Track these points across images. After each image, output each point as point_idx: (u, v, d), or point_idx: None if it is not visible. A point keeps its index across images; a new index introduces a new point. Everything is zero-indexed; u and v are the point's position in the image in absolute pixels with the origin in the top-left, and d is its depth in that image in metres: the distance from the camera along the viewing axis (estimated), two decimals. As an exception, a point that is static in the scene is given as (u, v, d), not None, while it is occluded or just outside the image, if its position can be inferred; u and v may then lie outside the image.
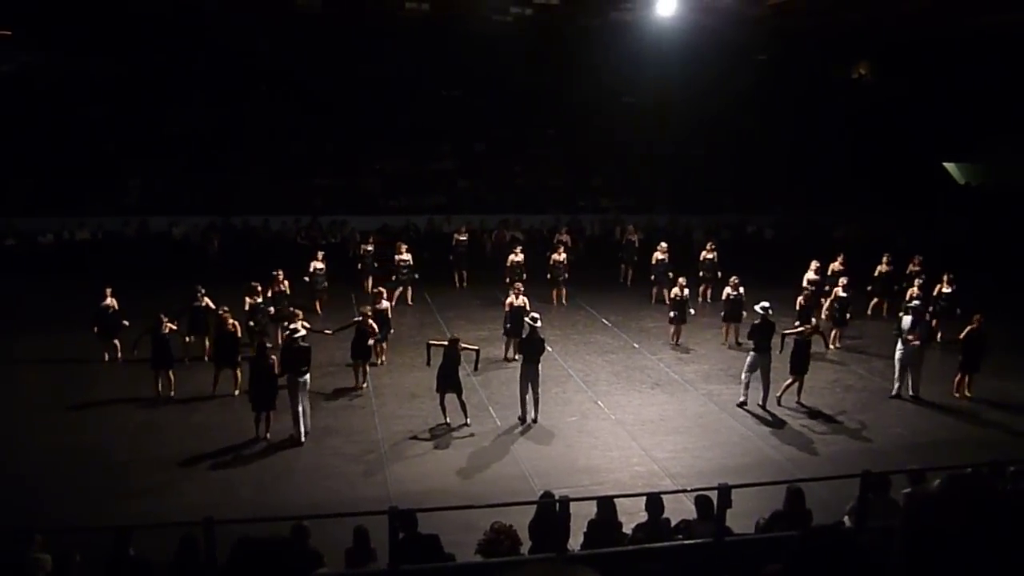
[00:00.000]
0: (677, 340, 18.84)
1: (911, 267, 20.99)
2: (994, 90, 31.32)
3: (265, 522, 8.34)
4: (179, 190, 30.07)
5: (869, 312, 21.07)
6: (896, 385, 15.79)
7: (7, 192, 27.85)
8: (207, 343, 16.83)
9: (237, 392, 14.60)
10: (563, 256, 22.23)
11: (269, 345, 14.12)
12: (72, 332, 18.09)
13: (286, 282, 18.46)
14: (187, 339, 16.72)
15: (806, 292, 18.38)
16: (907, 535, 1.80)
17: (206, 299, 16.93)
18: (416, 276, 21.61)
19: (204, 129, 31.03)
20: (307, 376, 13.42)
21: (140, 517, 10.09)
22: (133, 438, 13.34)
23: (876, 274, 21.12)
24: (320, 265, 20.48)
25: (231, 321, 15.26)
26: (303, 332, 13.72)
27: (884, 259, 21.21)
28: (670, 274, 20.36)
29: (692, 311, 18.99)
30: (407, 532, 7.81)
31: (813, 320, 16.91)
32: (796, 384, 15.29)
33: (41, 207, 27.78)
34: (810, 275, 20.24)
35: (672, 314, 18.66)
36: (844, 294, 18.59)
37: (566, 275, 22.15)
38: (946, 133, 34.42)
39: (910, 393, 15.64)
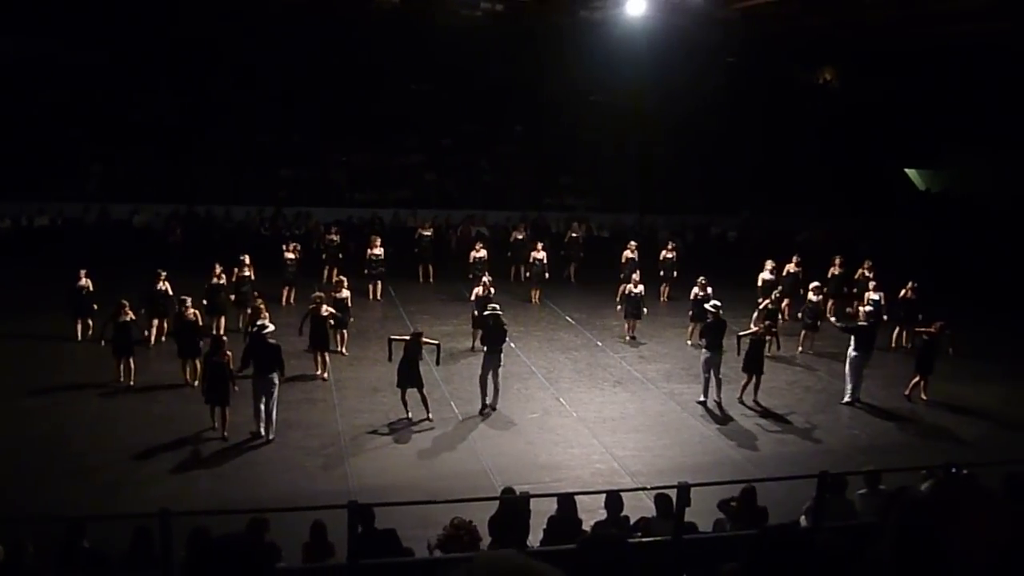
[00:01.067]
0: (632, 334, 19.11)
1: (861, 271, 21.19)
2: (956, 98, 31.81)
3: (222, 515, 8.28)
4: (141, 178, 29.65)
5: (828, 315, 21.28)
6: (849, 389, 15.78)
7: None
8: (165, 326, 16.96)
9: (197, 383, 14.40)
10: (543, 254, 22.21)
11: (225, 337, 13.90)
12: (30, 318, 18.02)
13: (251, 268, 18.49)
14: (145, 332, 16.63)
15: (775, 295, 18.53)
16: (899, 540, 1.82)
17: (166, 283, 16.96)
18: (383, 270, 21.54)
19: (168, 116, 30.66)
20: (275, 375, 13.07)
21: (96, 508, 9.98)
22: (92, 428, 13.16)
23: (829, 276, 21.23)
24: (292, 256, 20.47)
25: (191, 311, 15.11)
26: (272, 328, 13.49)
27: (836, 261, 21.33)
28: (637, 273, 20.46)
29: (645, 309, 19.19)
30: (365, 527, 7.78)
31: (768, 321, 16.99)
32: (753, 383, 15.51)
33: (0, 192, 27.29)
34: (765, 275, 20.41)
35: (620, 307, 19.09)
36: (815, 298, 18.74)
37: (547, 274, 22.22)
38: (908, 139, 34.92)
39: (855, 397, 15.70)
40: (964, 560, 1.74)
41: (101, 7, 27.41)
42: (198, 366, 14.75)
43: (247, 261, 18.50)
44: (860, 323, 15.73)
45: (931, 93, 32.63)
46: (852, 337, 15.71)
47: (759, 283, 20.12)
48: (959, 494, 1.83)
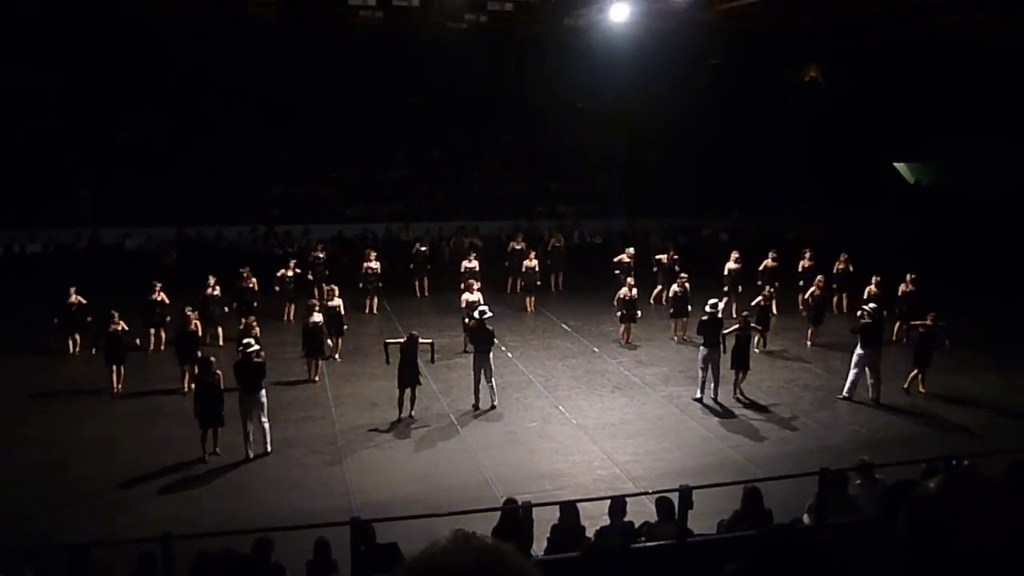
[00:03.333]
0: (627, 339, 19.20)
1: (838, 265, 21.56)
2: (942, 90, 31.95)
3: (225, 536, 8.25)
4: (132, 201, 29.61)
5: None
6: (848, 384, 15.73)
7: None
8: (163, 335, 17.72)
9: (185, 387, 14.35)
10: (535, 263, 22.29)
11: (213, 359, 13.83)
12: (25, 344, 18.26)
13: (254, 279, 19.20)
14: (137, 341, 17.08)
15: (767, 292, 18.78)
16: (910, 536, 1.82)
17: (161, 294, 17.76)
18: (380, 284, 21.58)
19: (156, 138, 30.62)
20: (262, 392, 13.12)
21: (97, 533, 9.92)
22: (91, 452, 13.10)
23: (834, 271, 21.51)
24: (291, 273, 20.64)
25: (194, 321, 15.81)
26: (256, 347, 13.49)
27: (842, 257, 21.66)
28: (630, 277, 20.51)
29: (639, 312, 19.30)
30: (367, 543, 7.77)
31: (745, 313, 17.02)
32: (741, 377, 15.78)
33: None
34: (731, 264, 21.08)
35: (620, 313, 19.09)
36: (819, 292, 18.98)
37: (539, 282, 22.34)
38: (896, 133, 35.03)
39: (871, 397, 15.55)
40: (975, 552, 1.74)
41: (85, 31, 27.37)
42: (196, 370, 14.92)
43: (246, 274, 19.19)
44: (864, 321, 15.67)
45: (917, 86, 32.75)
46: (859, 335, 15.70)
47: (724, 272, 20.88)
48: (966, 487, 1.84)
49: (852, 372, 15.68)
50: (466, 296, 18.28)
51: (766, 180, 32.93)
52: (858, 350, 15.57)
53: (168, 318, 17.62)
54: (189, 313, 15.91)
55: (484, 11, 24.81)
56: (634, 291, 19.10)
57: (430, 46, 29.47)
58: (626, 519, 8.57)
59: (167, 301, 17.71)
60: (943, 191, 35.68)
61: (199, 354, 14.97)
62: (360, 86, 32.13)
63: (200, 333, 16.11)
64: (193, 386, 14.16)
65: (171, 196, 29.69)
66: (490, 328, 15.29)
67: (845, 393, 15.70)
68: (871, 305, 15.93)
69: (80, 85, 30.35)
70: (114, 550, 8.28)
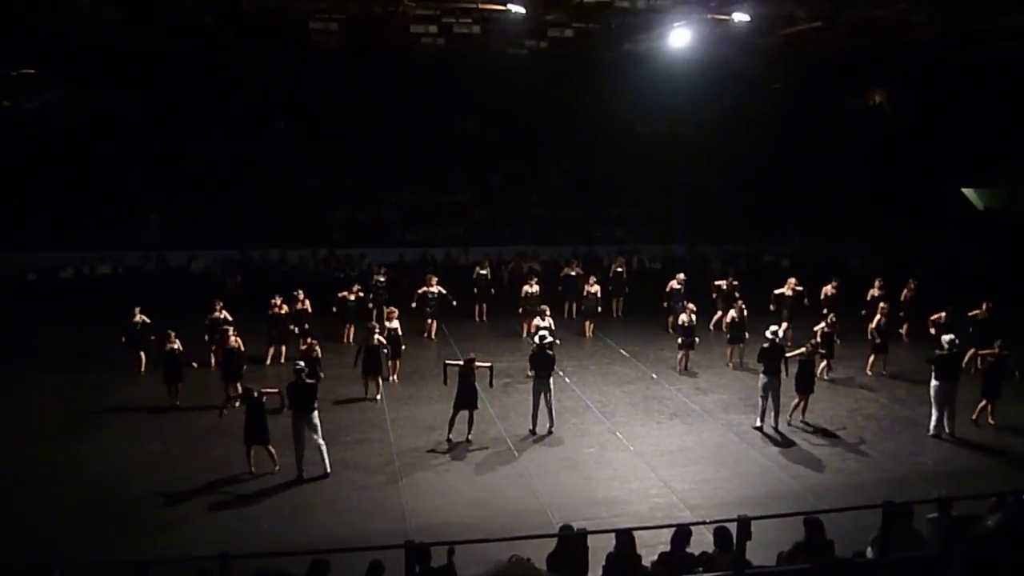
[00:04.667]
0: (685, 366, 19.01)
1: (906, 293, 21.45)
2: (1010, 115, 31.21)
3: (281, 556, 8.32)
4: (198, 224, 30.31)
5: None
6: (933, 421, 15.11)
7: (28, 227, 28.16)
8: (220, 354, 18.06)
9: (238, 404, 14.57)
10: (596, 288, 22.17)
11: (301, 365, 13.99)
12: (87, 366, 18.74)
13: (307, 301, 19.85)
14: (194, 364, 17.37)
15: (830, 320, 18.46)
16: (965, 573, 1.79)
17: (223, 312, 18.30)
18: (452, 302, 21.52)
19: (222, 163, 31.32)
20: (314, 414, 13.21)
21: (156, 551, 10.06)
22: (150, 471, 13.32)
23: (901, 299, 21.33)
24: (352, 297, 20.93)
25: (233, 338, 16.41)
26: (306, 369, 13.62)
27: (910, 284, 21.56)
28: (685, 303, 20.30)
29: (697, 339, 19.08)
30: (422, 566, 7.75)
31: (814, 341, 16.76)
32: (802, 404, 15.57)
33: (62, 242, 28.07)
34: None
35: (680, 340, 19.00)
36: (884, 320, 18.75)
37: (600, 308, 22.24)
38: (964, 159, 34.30)
39: (946, 432, 15.04)
40: None
41: (152, 58, 28.15)
42: (239, 388, 15.64)
43: (301, 296, 19.82)
44: (940, 352, 15.22)
45: (986, 110, 32.04)
46: (933, 366, 15.24)
47: (780, 298, 21.03)
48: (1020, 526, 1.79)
49: (935, 409, 15.09)
50: (536, 321, 18.42)
51: (828, 206, 32.48)
52: (933, 382, 15.08)
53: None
54: (228, 331, 16.63)
55: (544, 37, 24.94)
56: (693, 317, 18.92)
57: (490, 71, 29.70)
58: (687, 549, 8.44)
59: (229, 318, 18.15)
60: (1014, 217, 34.76)
61: (244, 369, 16.36)
62: (420, 111, 32.52)
63: (242, 349, 16.62)
64: (237, 404, 14.38)
65: (236, 220, 30.30)
66: (551, 353, 15.28)
67: (932, 431, 15.08)
68: (950, 336, 15.39)
69: (151, 111, 31.19)
70: (172, 568, 8.37)
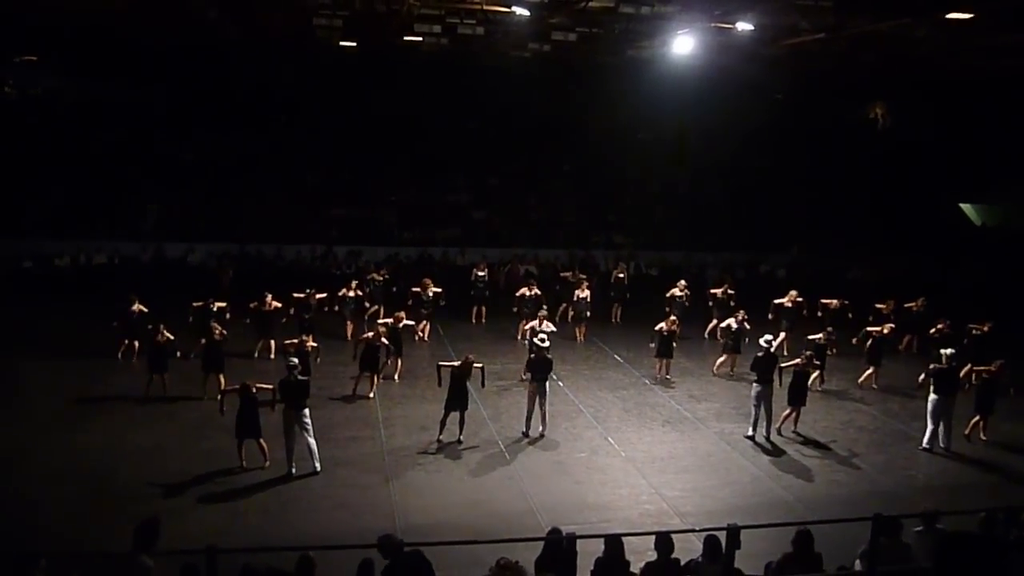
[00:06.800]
0: (664, 373, 18.96)
1: (914, 307, 21.52)
2: (1010, 131, 31.25)
3: (270, 552, 8.30)
4: (196, 217, 30.27)
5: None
6: (927, 435, 15.12)
7: (26, 214, 28.12)
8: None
9: (220, 397, 14.53)
10: (587, 293, 22.18)
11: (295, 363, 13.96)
12: (82, 354, 18.70)
13: (318, 295, 20.01)
14: (179, 354, 17.36)
15: (825, 335, 18.49)
16: None
17: (217, 304, 18.51)
18: (432, 310, 21.54)
19: (222, 157, 31.28)
20: (306, 411, 13.16)
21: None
22: (139, 460, 13.28)
23: (912, 312, 21.45)
24: (351, 294, 20.97)
25: (218, 330, 16.43)
26: (299, 366, 13.61)
27: (918, 301, 21.53)
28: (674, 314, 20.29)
29: (675, 344, 19.05)
30: (392, 558, 7.73)
31: (809, 352, 16.78)
32: (794, 415, 15.52)
33: (59, 230, 28.03)
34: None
35: (652, 345, 18.96)
36: (886, 333, 18.79)
37: (588, 313, 22.18)
38: (962, 174, 34.34)
39: (941, 446, 15.04)
40: None
41: (155, 49, 28.14)
42: (221, 380, 15.60)
43: (313, 292, 19.93)
44: (938, 367, 15.23)
45: (986, 126, 32.08)
46: (931, 380, 15.27)
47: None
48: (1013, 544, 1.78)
49: (930, 422, 15.10)
50: (535, 325, 18.34)
51: (826, 218, 32.52)
52: (931, 396, 15.09)
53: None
54: (214, 324, 16.64)
55: (548, 40, 24.96)
56: (675, 327, 18.89)
57: (492, 73, 29.69)
58: (672, 556, 8.42)
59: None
60: (1011, 233, 34.80)
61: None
62: (421, 110, 32.50)
63: (224, 340, 16.58)
64: (220, 396, 14.34)
65: (234, 214, 30.27)
66: (549, 357, 15.25)
67: (925, 444, 15.09)
68: (950, 350, 15.39)
69: (149, 101, 31.14)
70: (159, 561, 8.33)
